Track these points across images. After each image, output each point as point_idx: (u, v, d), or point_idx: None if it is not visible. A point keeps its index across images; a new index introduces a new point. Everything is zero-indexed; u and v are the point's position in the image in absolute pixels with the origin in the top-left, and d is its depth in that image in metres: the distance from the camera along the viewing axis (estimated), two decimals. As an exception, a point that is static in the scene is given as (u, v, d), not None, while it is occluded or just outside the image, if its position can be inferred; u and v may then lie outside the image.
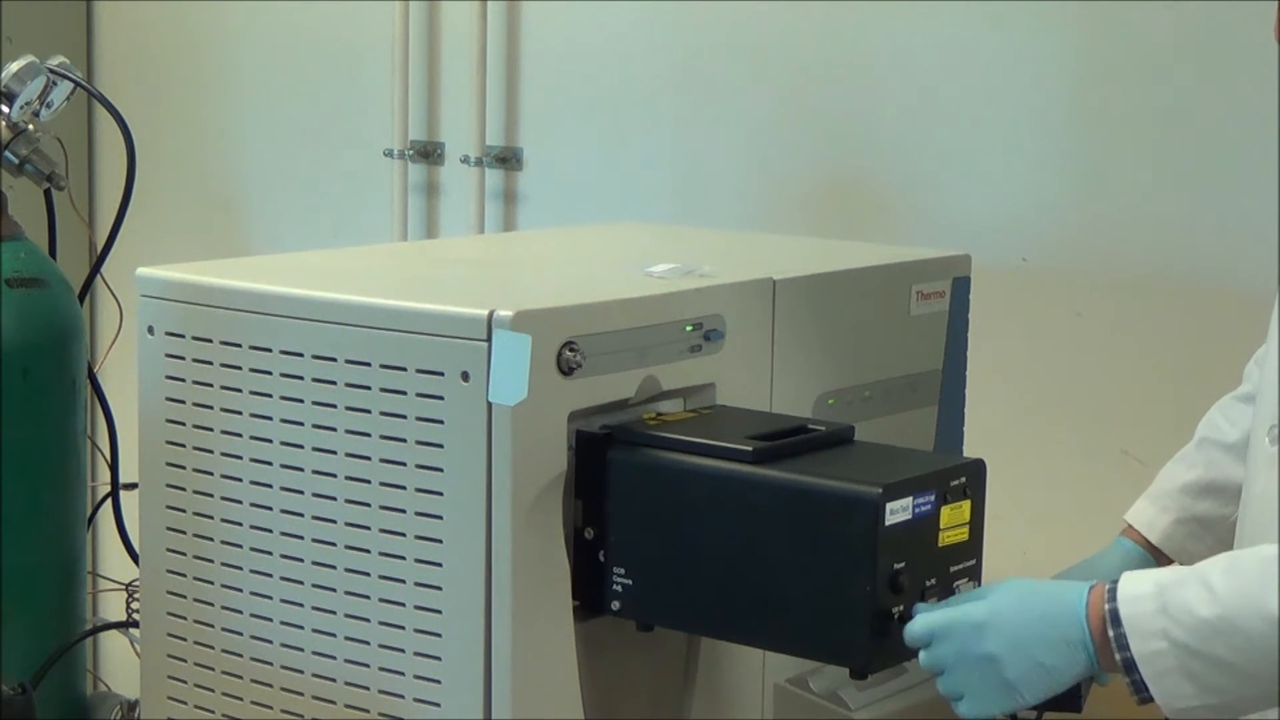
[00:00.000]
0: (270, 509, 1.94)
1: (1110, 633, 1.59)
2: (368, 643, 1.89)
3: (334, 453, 1.89)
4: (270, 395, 1.93)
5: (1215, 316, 2.74)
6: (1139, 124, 2.80)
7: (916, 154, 2.98)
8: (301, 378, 1.90)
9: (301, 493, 1.92)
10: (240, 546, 1.97)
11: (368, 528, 1.87)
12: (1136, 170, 2.80)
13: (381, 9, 3.49)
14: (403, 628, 1.86)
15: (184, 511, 2.02)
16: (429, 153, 3.49)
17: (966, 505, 1.80)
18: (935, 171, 2.96)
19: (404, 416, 1.83)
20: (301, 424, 1.91)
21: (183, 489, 2.02)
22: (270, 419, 1.93)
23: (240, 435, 1.96)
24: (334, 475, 1.89)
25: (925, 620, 1.69)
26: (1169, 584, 1.59)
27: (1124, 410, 2.82)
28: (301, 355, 1.90)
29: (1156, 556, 2.05)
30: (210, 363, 1.98)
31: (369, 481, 1.87)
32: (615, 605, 1.86)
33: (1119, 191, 2.83)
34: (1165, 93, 2.77)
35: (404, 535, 1.85)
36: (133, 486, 2.14)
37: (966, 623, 1.66)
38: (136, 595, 2.28)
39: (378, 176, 3.53)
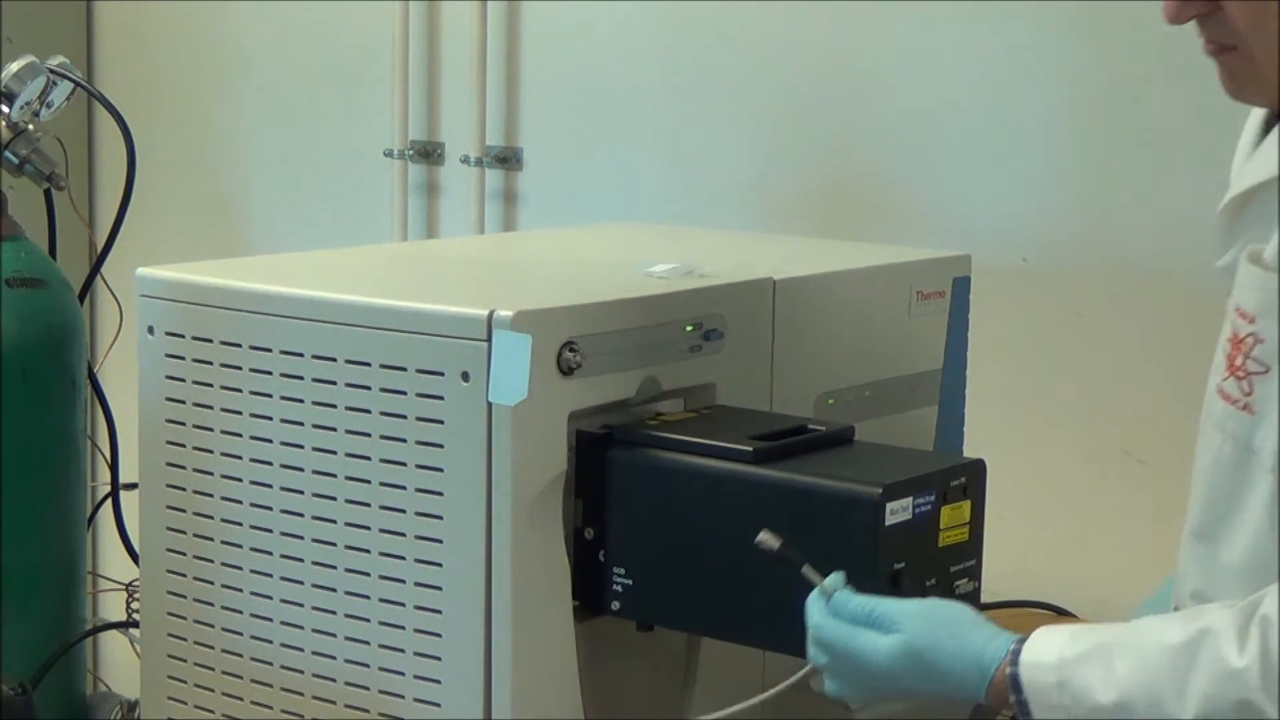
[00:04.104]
0: (270, 509, 1.94)
1: (1012, 697, 1.59)
2: (368, 643, 1.89)
3: (334, 453, 1.89)
4: (270, 395, 1.93)
5: (1215, 316, 2.74)
6: (1139, 124, 2.80)
7: (916, 154, 2.98)
8: (301, 378, 1.91)
9: (301, 493, 1.92)
10: (240, 546, 1.97)
11: (368, 528, 1.87)
12: (1136, 170, 2.80)
13: (381, 9, 3.49)
14: (403, 628, 1.86)
15: (184, 511, 2.02)
16: (429, 153, 3.49)
17: (966, 505, 1.80)
18: (935, 171, 2.96)
19: (404, 416, 1.83)
20: (301, 424, 1.91)
21: (183, 489, 2.02)
22: (270, 419, 1.93)
23: (240, 435, 1.96)
24: (334, 475, 1.89)
25: (825, 635, 1.67)
26: (1071, 659, 1.57)
27: (1124, 410, 2.82)
28: (301, 355, 1.90)
29: None
30: (210, 363, 1.98)
31: (369, 481, 1.87)
32: (615, 605, 1.86)
33: (1119, 191, 2.83)
34: (1165, 92, 2.77)
35: (404, 535, 1.85)
36: (133, 486, 2.14)
37: (864, 666, 1.64)
38: (136, 595, 2.28)
39: (378, 176, 3.53)
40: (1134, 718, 1.54)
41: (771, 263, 2.18)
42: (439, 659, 1.84)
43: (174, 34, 3.82)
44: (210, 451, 1.99)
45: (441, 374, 1.81)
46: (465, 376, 1.79)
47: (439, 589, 1.83)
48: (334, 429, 1.89)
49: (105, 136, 3.85)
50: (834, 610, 1.67)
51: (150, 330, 2.03)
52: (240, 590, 1.98)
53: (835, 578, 1.69)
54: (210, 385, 1.98)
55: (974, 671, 1.60)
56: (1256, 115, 1.75)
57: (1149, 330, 2.80)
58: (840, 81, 3.04)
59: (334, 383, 1.88)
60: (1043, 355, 2.89)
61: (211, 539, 2.00)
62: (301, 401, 1.91)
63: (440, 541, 1.83)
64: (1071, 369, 2.87)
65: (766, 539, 1.71)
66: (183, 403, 2.01)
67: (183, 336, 2.00)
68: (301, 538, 1.92)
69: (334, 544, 1.90)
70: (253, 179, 3.75)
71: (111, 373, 2.60)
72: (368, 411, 1.86)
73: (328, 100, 3.64)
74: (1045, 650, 1.59)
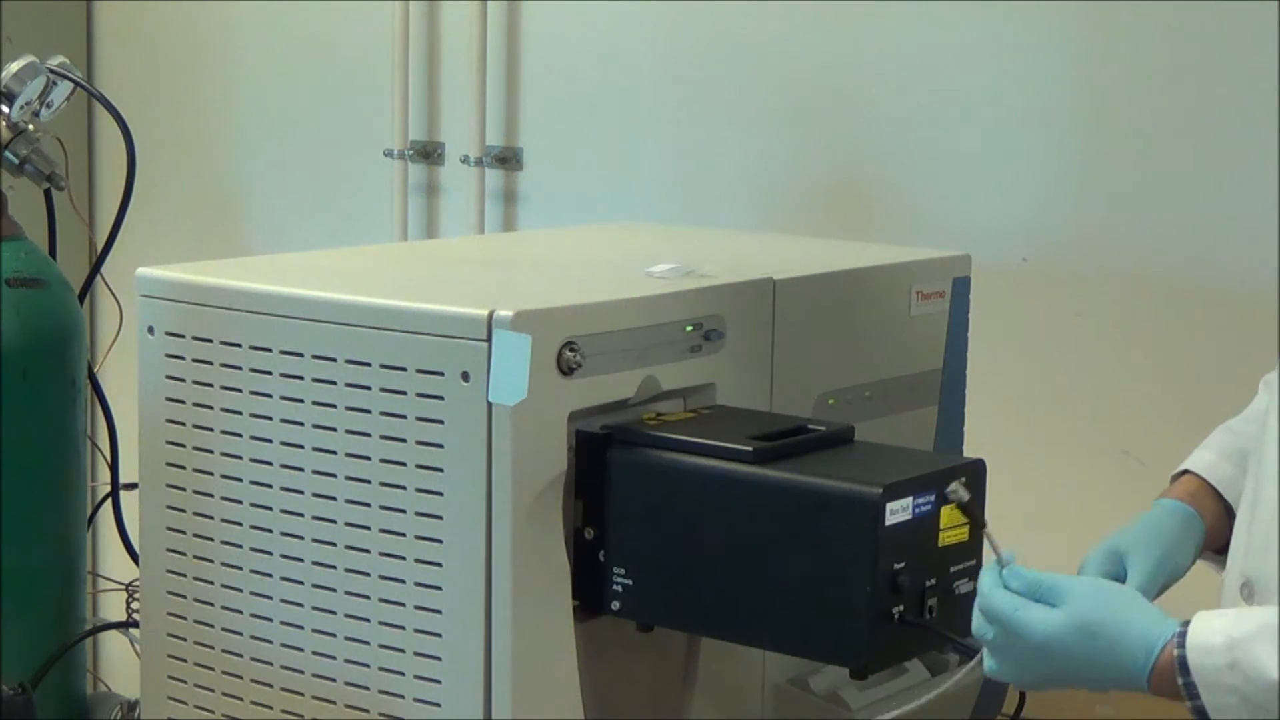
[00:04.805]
0: (270, 509, 1.94)
1: (1179, 680, 1.59)
2: (368, 643, 1.89)
3: (334, 453, 1.89)
4: (270, 395, 1.93)
5: (1215, 316, 2.74)
6: (1139, 124, 2.80)
7: (917, 154, 2.98)
8: (301, 378, 1.90)
9: (301, 493, 1.92)
10: (240, 546, 1.97)
11: (368, 528, 1.87)
12: (1136, 170, 2.80)
13: (381, 9, 3.49)
14: (403, 628, 1.86)
15: (184, 511, 2.02)
16: (429, 153, 3.50)
17: (967, 505, 1.80)
18: (935, 171, 2.96)
19: (404, 416, 1.83)
20: (301, 424, 1.91)
21: (183, 489, 2.02)
22: (270, 419, 1.93)
23: (240, 435, 1.96)
24: (334, 475, 1.89)
25: (994, 605, 1.67)
26: (1240, 639, 1.58)
27: (1124, 410, 2.82)
28: (301, 355, 1.90)
29: (1203, 503, 2.01)
30: (210, 363, 1.98)
31: (369, 481, 1.87)
32: (615, 605, 1.86)
33: (1119, 191, 2.83)
34: (1165, 93, 2.77)
35: (404, 535, 1.85)
36: (133, 486, 2.14)
37: (1030, 638, 1.64)
38: (136, 595, 2.28)
39: (378, 176, 3.53)
40: None
41: (771, 263, 2.18)
42: (439, 659, 1.84)
43: (174, 34, 3.82)
44: (210, 451, 1.99)
45: (441, 374, 1.81)
46: (465, 376, 1.79)
47: (439, 589, 1.83)
48: (334, 429, 1.88)
49: (105, 136, 3.85)
50: (1004, 582, 1.67)
51: (150, 330, 2.03)
52: (240, 590, 1.98)
53: (1010, 553, 1.69)
54: (210, 385, 1.98)
55: (1140, 649, 1.61)
56: None
57: (1148, 330, 2.80)
58: (840, 82, 3.04)
59: (334, 383, 1.88)
60: (1043, 355, 2.89)
61: (211, 539, 2.00)
62: (301, 401, 1.91)
63: (440, 541, 1.83)
64: (1071, 369, 2.87)
65: (958, 490, 1.73)
66: (183, 403, 2.01)
67: (183, 336, 2.00)
68: (301, 538, 1.92)
69: (334, 544, 1.90)
70: (253, 179, 3.75)
71: (111, 373, 2.60)
72: (368, 411, 1.86)
73: (328, 100, 3.64)
74: (1210, 632, 1.59)
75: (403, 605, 1.85)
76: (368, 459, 1.86)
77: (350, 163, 3.61)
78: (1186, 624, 1.61)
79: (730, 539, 1.80)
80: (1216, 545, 1.97)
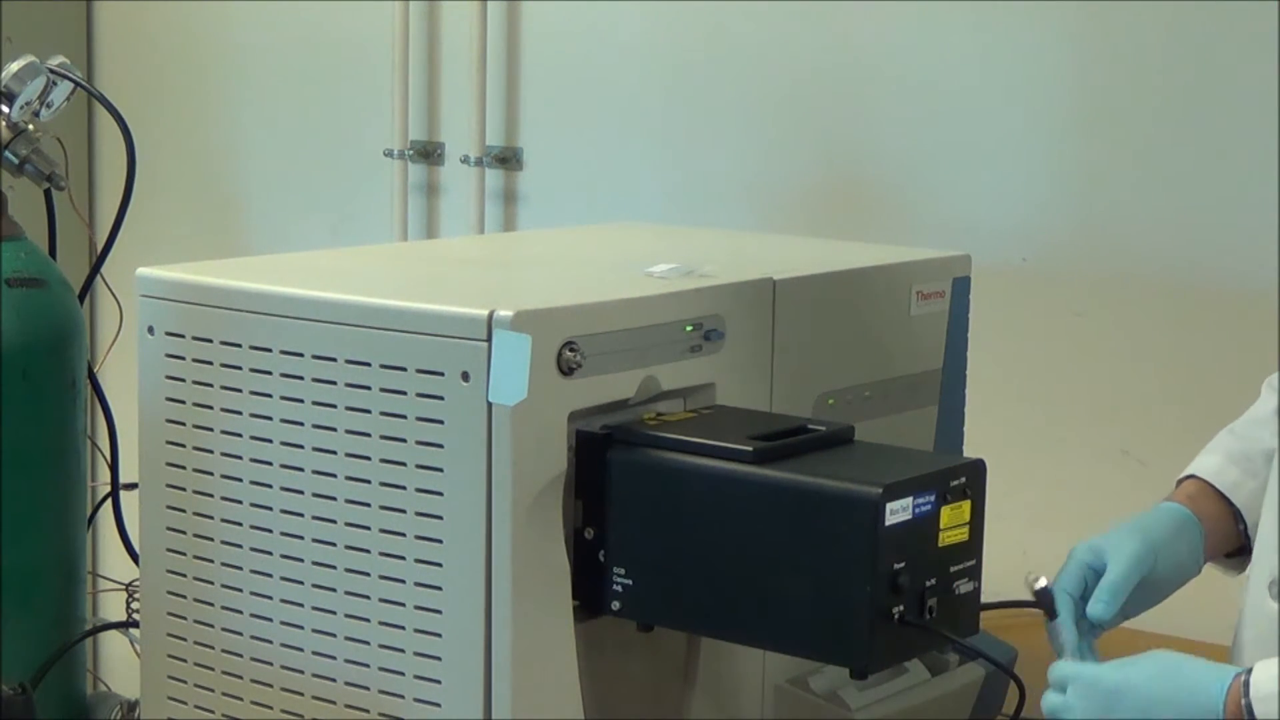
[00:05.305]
0: (270, 509, 1.94)
1: None
2: (368, 643, 1.89)
3: (334, 453, 1.89)
4: (270, 395, 1.93)
5: (1215, 316, 2.75)
6: (1138, 124, 2.80)
7: (916, 154, 2.98)
8: (301, 378, 1.90)
9: (301, 493, 1.92)
10: (240, 546, 1.97)
11: (368, 528, 1.87)
12: (1136, 170, 2.80)
13: (381, 9, 3.49)
14: (403, 628, 1.86)
15: (184, 511, 2.02)
16: (429, 153, 3.50)
17: (966, 505, 1.80)
18: (935, 171, 2.96)
19: (404, 416, 1.83)
20: (301, 424, 1.91)
21: (183, 489, 2.02)
22: (270, 419, 1.93)
23: (240, 435, 1.96)
24: (334, 475, 1.89)
25: (1067, 669, 1.74)
26: None
27: (1125, 410, 2.82)
28: (301, 355, 1.90)
29: (1203, 506, 2.02)
30: (210, 363, 1.98)
31: (369, 481, 1.87)
32: (615, 605, 1.86)
33: (1119, 191, 2.83)
34: (1165, 93, 2.77)
35: (404, 535, 1.85)
36: (133, 486, 2.14)
37: (1106, 681, 1.69)
38: (136, 595, 2.28)
39: (378, 176, 3.53)
40: None
41: (771, 263, 2.18)
42: (439, 659, 1.84)
43: (174, 34, 3.82)
44: (210, 451, 1.99)
45: (441, 374, 1.81)
46: (465, 376, 1.79)
47: (439, 589, 1.83)
48: (334, 429, 1.89)
49: (105, 136, 3.85)
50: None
51: (150, 330, 2.03)
52: (240, 590, 1.98)
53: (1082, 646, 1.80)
54: (210, 385, 1.98)
55: (1214, 682, 1.65)
56: None
57: (1148, 330, 2.80)
58: (840, 82, 3.04)
59: (334, 383, 1.88)
60: (1043, 355, 2.89)
61: (211, 539, 2.00)
62: (301, 401, 1.91)
63: (440, 541, 1.83)
64: (1071, 369, 2.87)
65: (1034, 576, 1.84)
66: (183, 403, 2.01)
67: (183, 336, 2.00)
68: (301, 538, 1.92)
69: (334, 544, 1.90)
70: (253, 179, 3.75)
71: (111, 373, 2.60)
72: (368, 411, 1.86)
73: (328, 100, 3.64)
74: (1270, 680, 1.63)
75: (403, 605, 1.85)
76: (368, 459, 1.86)
77: (350, 163, 3.61)
78: (1249, 671, 1.63)
79: (730, 539, 1.80)
80: (1226, 549, 1.97)
